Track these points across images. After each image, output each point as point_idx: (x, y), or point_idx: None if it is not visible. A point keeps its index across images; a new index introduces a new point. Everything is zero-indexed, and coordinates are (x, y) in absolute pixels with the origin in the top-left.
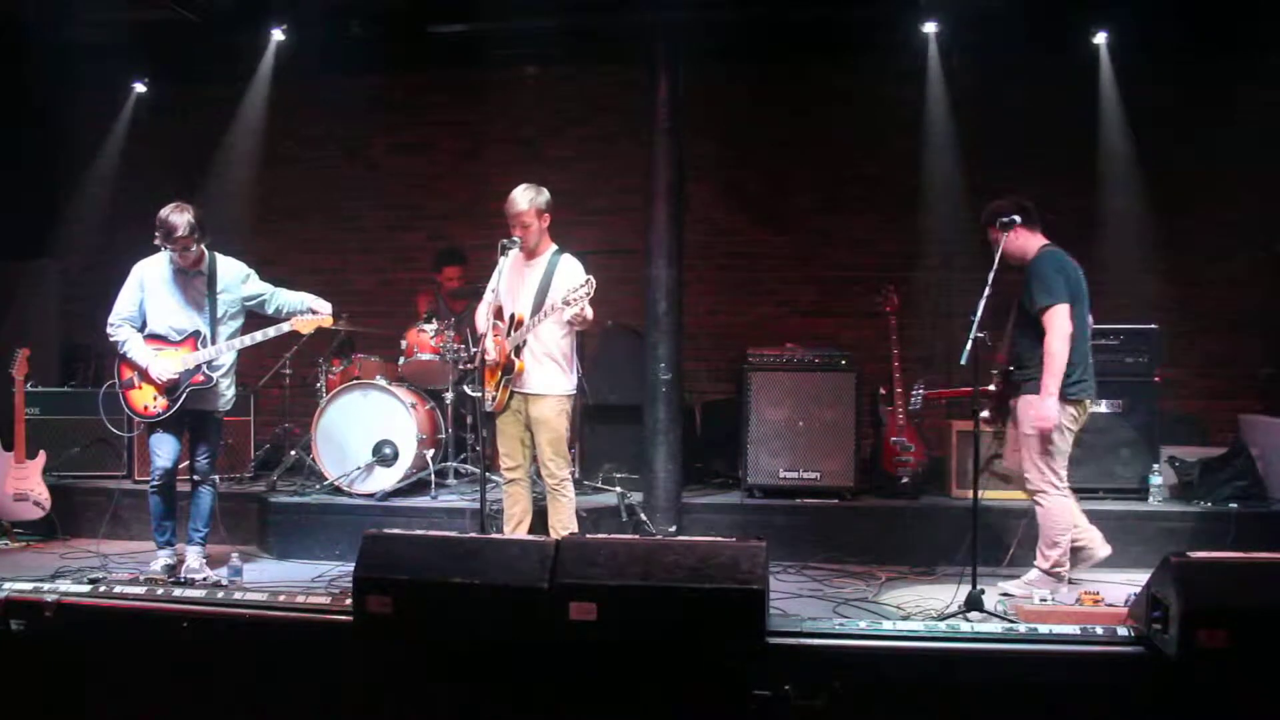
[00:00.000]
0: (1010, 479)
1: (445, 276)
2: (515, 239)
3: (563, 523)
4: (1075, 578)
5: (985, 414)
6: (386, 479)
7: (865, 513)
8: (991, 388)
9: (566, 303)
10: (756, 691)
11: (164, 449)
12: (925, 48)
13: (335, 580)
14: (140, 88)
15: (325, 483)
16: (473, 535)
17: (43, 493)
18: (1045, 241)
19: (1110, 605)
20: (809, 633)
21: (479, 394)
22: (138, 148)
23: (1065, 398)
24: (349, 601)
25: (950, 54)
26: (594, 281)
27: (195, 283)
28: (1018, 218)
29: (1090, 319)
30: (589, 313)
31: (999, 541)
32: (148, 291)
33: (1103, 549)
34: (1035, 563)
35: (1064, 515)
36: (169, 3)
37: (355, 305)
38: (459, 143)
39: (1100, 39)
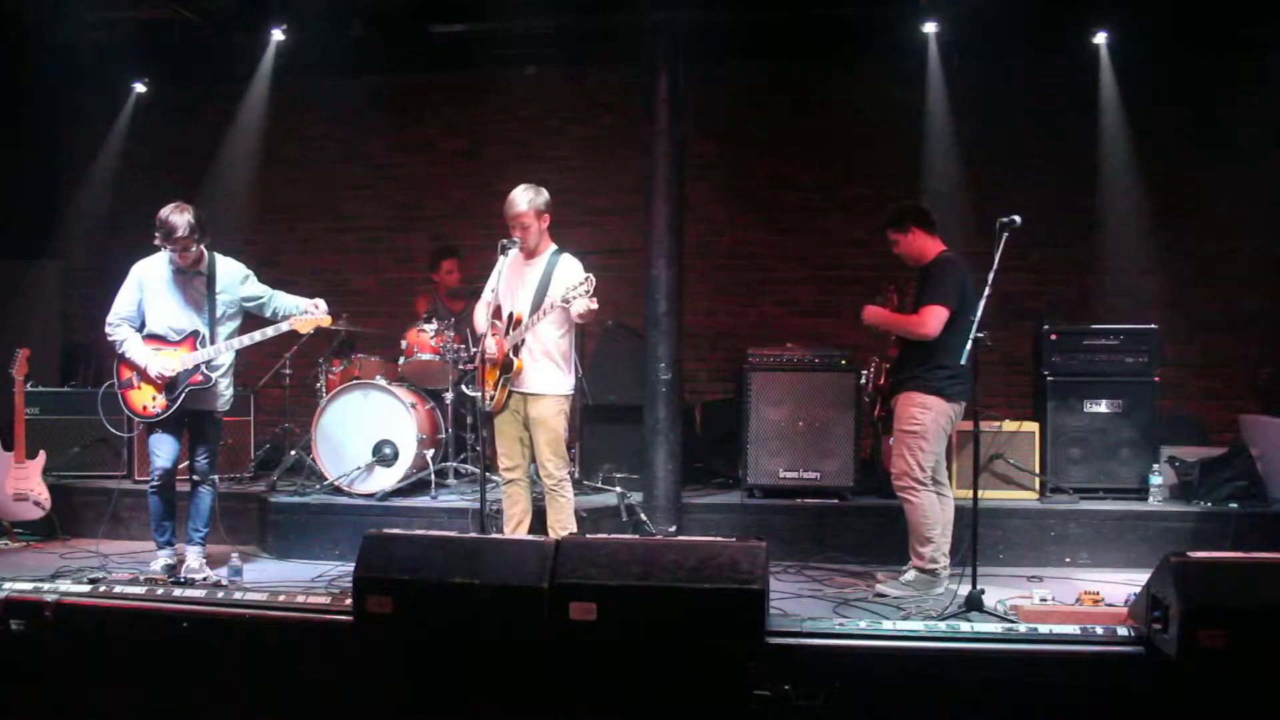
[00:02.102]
0: (1010, 479)
1: (444, 271)
2: (515, 239)
3: (561, 523)
4: (1075, 578)
5: (877, 410)
6: (386, 479)
7: (865, 513)
8: (882, 381)
9: (565, 300)
10: (756, 691)
11: (163, 449)
12: (925, 48)
13: (335, 580)
14: (140, 87)
15: (325, 483)
16: (473, 535)
17: (43, 493)
18: (944, 247)
19: (1110, 605)
20: (809, 633)
21: (478, 394)
22: (138, 147)
23: (946, 395)
24: (349, 601)
25: (950, 54)
26: (593, 279)
27: (195, 283)
28: (1018, 219)
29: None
30: (594, 305)
31: (999, 541)
32: (147, 292)
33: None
34: (911, 561)
35: (933, 510)
36: (169, 3)
37: (355, 305)
38: (459, 143)
39: (1100, 39)
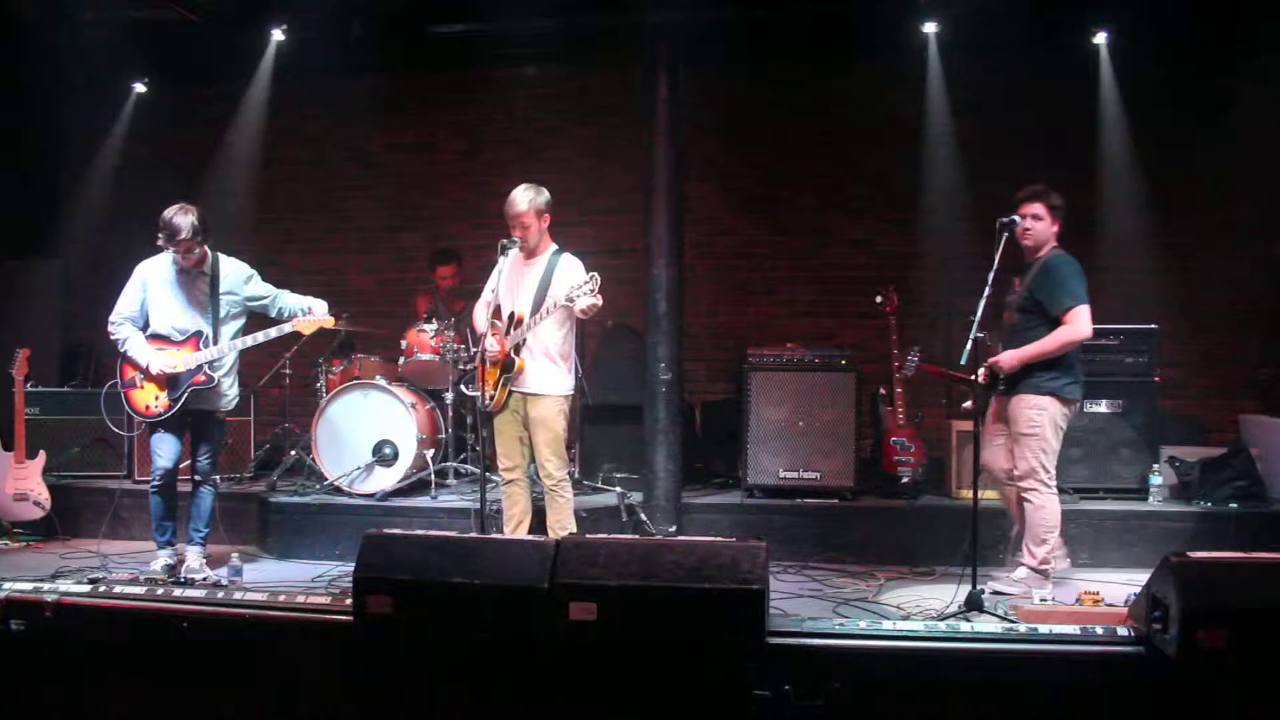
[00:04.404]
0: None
1: (439, 275)
2: (515, 239)
3: (561, 523)
4: (1075, 578)
5: (968, 404)
6: (386, 479)
7: (865, 513)
8: (978, 378)
9: (570, 299)
10: (756, 691)
11: (165, 449)
12: (925, 47)
13: (335, 580)
14: (140, 88)
15: (325, 483)
16: (473, 535)
17: (43, 493)
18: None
19: (1110, 605)
20: (809, 633)
21: (478, 394)
22: (138, 148)
23: (1062, 396)
24: (349, 601)
25: (950, 54)
26: (598, 277)
27: (198, 283)
28: (1018, 219)
29: None
30: (598, 300)
31: (999, 541)
32: (150, 292)
33: (1062, 560)
34: (1023, 560)
35: (1054, 513)
36: (169, 3)
37: (355, 305)
38: (459, 143)
39: (1100, 39)
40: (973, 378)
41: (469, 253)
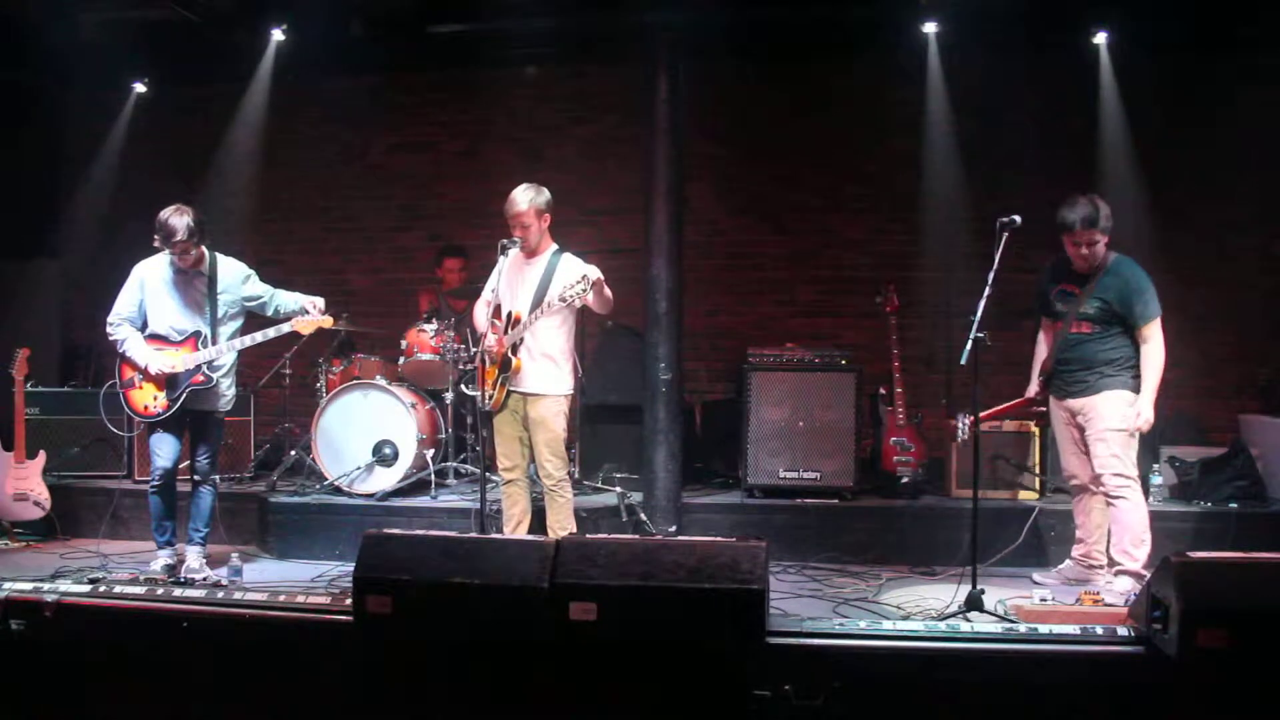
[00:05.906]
0: (1017, 484)
1: (446, 269)
2: (515, 239)
3: (560, 523)
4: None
5: (1034, 401)
6: (386, 479)
7: (865, 513)
8: (1034, 393)
9: (563, 299)
10: (756, 691)
11: (164, 449)
12: (925, 47)
13: (335, 580)
14: (140, 87)
15: (325, 483)
16: (473, 535)
17: (43, 493)
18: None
19: (1110, 605)
20: (809, 633)
21: (478, 393)
22: (138, 148)
23: (1139, 392)
24: (349, 601)
25: (950, 54)
26: (589, 277)
27: (196, 283)
28: (1018, 219)
29: None
30: (607, 292)
31: (999, 541)
32: (148, 292)
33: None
34: (1123, 565)
35: (1144, 512)
36: (169, 3)
37: (355, 305)
38: (459, 143)
39: (1100, 39)
40: (1030, 396)
41: (470, 253)
